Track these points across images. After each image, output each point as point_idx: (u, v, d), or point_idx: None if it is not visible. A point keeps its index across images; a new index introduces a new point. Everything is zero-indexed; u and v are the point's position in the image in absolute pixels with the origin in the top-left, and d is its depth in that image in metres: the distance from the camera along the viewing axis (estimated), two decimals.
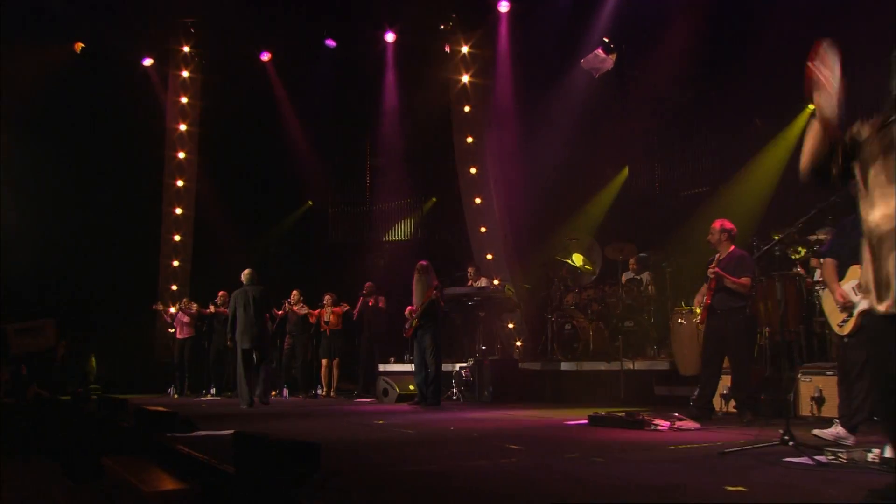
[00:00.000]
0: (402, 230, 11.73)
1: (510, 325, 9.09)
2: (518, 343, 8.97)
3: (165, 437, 4.09)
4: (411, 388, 7.47)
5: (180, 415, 4.41)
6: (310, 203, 11.97)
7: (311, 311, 9.09)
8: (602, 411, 4.69)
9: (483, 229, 9.90)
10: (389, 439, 4.12)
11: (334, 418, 5.70)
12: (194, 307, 9.45)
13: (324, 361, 9.00)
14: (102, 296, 9.89)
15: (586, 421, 4.63)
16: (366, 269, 11.06)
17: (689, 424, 4.08)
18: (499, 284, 8.62)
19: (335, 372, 9.05)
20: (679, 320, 6.02)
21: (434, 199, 11.36)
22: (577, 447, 3.51)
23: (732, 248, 5.03)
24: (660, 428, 3.99)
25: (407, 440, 4.08)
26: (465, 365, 7.80)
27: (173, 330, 10.18)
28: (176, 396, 9.18)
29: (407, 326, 7.06)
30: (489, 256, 9.78)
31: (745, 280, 4.89)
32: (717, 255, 4.99)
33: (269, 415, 6.01)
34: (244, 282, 7.26)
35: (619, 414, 4.40)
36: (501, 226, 9.82)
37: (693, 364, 5.87)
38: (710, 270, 4.96)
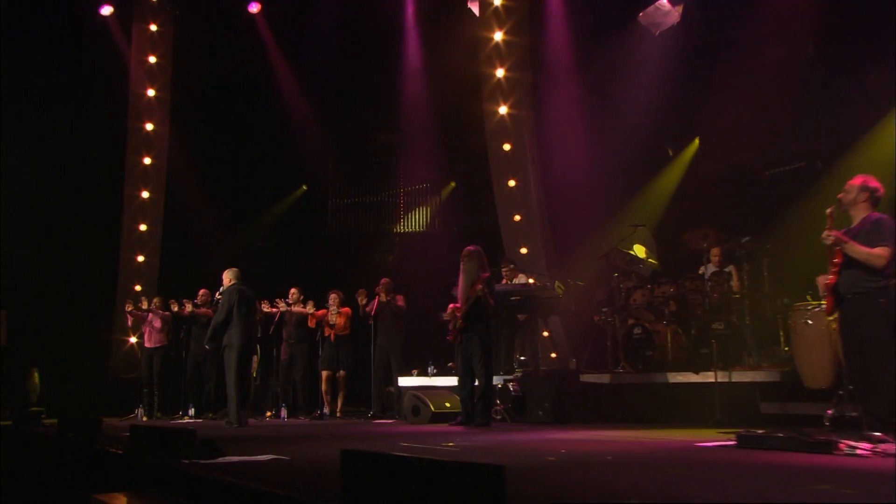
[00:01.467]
0: (416, 219, 11.36)
1: (544, 333, 8.71)
2: (553, 354, 8.58)
3: (184, 464, 3.44)
4: (447, 405, 7.10)
5: (197, 434, 3.73)
6: (304, 188, 11.54)
7: (313, 311, 8.62)
8: (755, 431, 4.17)
9: (517, 217, 9.54)
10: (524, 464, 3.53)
11: (374, 441, 5.13)
12: (173, 307, 8.89)
13: (325, 374, 8.54)
14: (47, 297, 9.45)
15: (730, 442, 4.13)
16: (372, 265, 10.74)
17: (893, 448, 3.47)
18: (537, 281, 8.19)
19: (343, 387, 8.57)
20: (804, 320, 5.50)
21: (453, 184, 10.98)
22: (793, 477, 3.01)
23: (871, 212, 4.38)
24: (859, 452, 3.40)
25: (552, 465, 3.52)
26: (510, 378, 7.35)
27: (136, 339, 9.70)
28: (145, 419, 8.65)
29: (451, 328, 6.59)
30: (524, 250, 9.40)
31: (881, 250, 4.19)
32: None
33: (292, 438, 5.45)
34: (235, 280, 6.97)
35: (778, 434, 3.85)
36: (540, 213, 9.46)
37: (824, 374, 5.35)
38: (827, 234, 4.29)
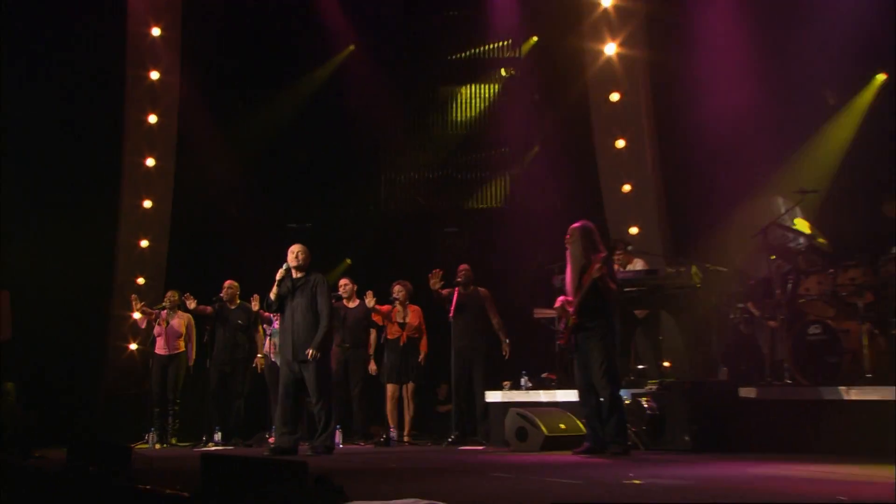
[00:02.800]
0: (491, 193, 11.11)
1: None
2: (666, 363, 8.13)
3: None
4: (562, 426, 6.80)
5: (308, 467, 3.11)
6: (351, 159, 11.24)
7: (374, 305, 8.31)
8: None
9: (627, 187, 9.17)
10: None
11: (521, 476, 4.74)
12: (191, 303, 8.51)
13: (391, 387, 8.30)
14: (24, 291, 8.82)
15: None
16: (436, 250, 10.59)
17: None
18: (652, 267, 7.76)
19: (411, 404, 8.34)
20: None
21: (537, 148, 10.63)
22: None
23: None
24: None
25: None
26: (640, 392, 6.86)
27: (137, 346, 9.52)
28: (158, 447, 8.33)
29: (561, 329, 6.34)
30: (634, 229, 8.98)
31: None
32: None
33: (400, 471, 5.13)
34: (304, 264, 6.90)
35: None
36: (657, 181, 9.03)
37: None
38: None
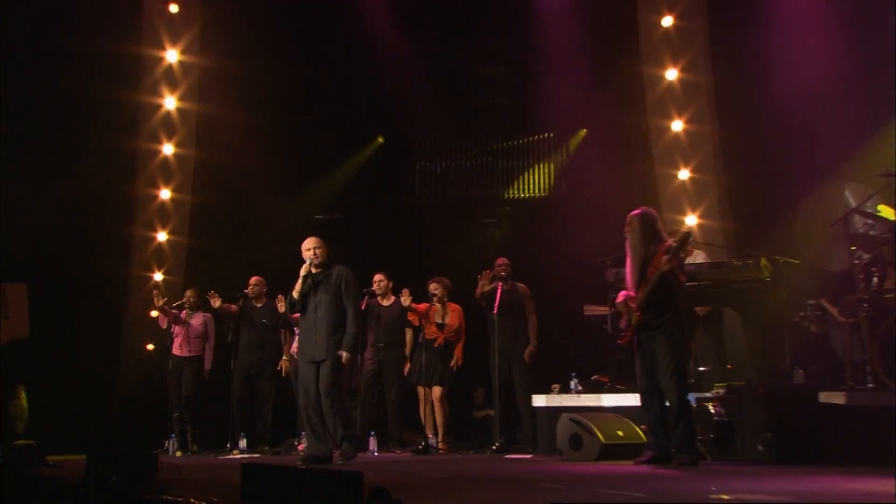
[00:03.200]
0: (534, 182, 11.02)
1: None
2: (702, 368, 7.93)
3: None
4: (620, 433, 6.62)
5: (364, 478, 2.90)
6: (380, 140, 11.17)
7: (413, 304, 8.20)
8: None
9: (684, 174, 9.06)
10: None
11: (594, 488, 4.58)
12: (217, 302, 8.39)
13: (423, 390, 8.22)
14: (33, 289, 8.48)
15: None
16: (475, 243, 10.53)
17: None
18: (733, 257, 7.63)
19: (440, 408, 8.17)
20: None
21: (584, 132, 10.47)
22: None
23: None
24: None
25: None
26: (707, 395, 6.65)
27: (153, 346, 9.51)
28: (179, 454, 8.23)
29: (623, 327, 6.14)
30: (692, 219, 8.86)
31: None
32: None
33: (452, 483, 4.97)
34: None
35: None
36: (717, 167, 8.85)
37: None
38: None
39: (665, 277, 5.79)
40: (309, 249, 6.62)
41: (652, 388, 5.93)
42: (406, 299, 8.08)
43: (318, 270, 6.60)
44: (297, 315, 6.95)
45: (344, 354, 6.48)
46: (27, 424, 9.02)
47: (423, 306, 8.19)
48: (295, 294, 6.63)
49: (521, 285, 8.12)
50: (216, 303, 8.42)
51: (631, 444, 6.46)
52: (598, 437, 6.49)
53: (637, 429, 6.60)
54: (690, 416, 5.93)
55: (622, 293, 6.14)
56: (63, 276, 9.32)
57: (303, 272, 6.58)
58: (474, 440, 9.02)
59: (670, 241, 5.94)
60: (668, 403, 5.90)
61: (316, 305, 6.59)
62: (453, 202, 11.25)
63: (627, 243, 6.04)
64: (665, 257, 5.75)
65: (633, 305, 5.96)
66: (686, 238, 5.97)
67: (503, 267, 7.99)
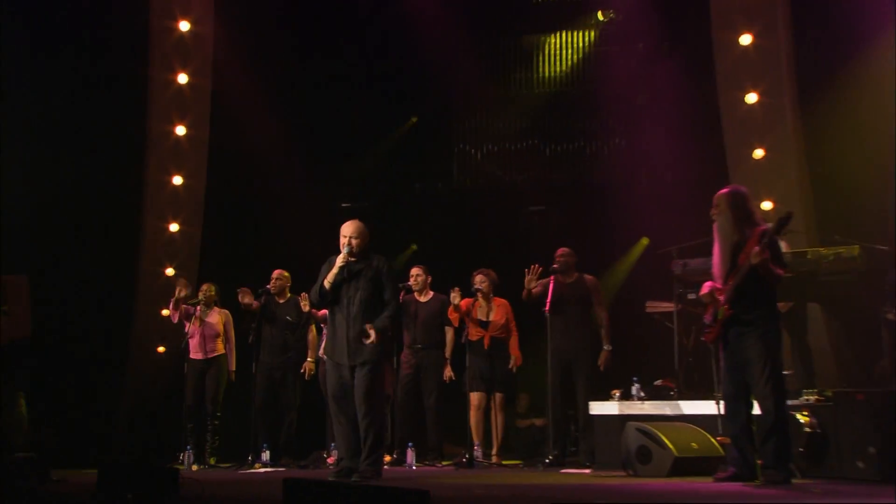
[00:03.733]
0: (585, 164, 11.07)
1: None
2: (786, 372, 7.58)
3: None
4: (694, 446, 6.44)
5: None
6: (414, 120, 11.12)
7: (458, 302, 8.02)
8: None
9: (759, 152, 8.69)
10: None
11: None
12: (247, 298, 8.31)
13: (475, 397, 8.11)
14: (34, 286, 8.51)
15: None
16: (519, 232, 10.59)
17: None
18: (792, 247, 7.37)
19: (500, 417, 8.17)
20: None
21: (644, 107, 10.34)
22: None
23: None
24: None
25: None
26: (795, 403, 6.36)
27: (164, 349, 9.50)
28: (195, 468, 8.11)
29: (708, 322, 5.92)
30: (767, 204, 8.50)
31: None
32: None
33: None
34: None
35: None
36: (798, 145, 8.58)
37: None
38: None
39: (760, 268, 5.52)
40: (345, 237, 6.32)
41: (739, 394, 5.70)
42: (456, 297, 7.89)
43: (354, 260, 6.31)
44: (325, 312, 6.73)
45: (371, 330, 6.13)
46: (29, 436, 8.64)
47: (465, 302, 8.02)
48: (326, 284, 6.28)
49: (589, 277, 8.00)
50: (247, 299, 8.27)
51: (706, 457, 6.29)
52: (669, 449, 6.27)
53: (712, 440, 6.40)
54: (786, 428, 5.65)
55: (707, 284, 5.90)
56: (63, 270, 9.25)
57: (340, 261, 6.25)
58: (519, 452, 8.92)
59: (765, 226, 5.65)
60: (758, 412, 5.63)
61: (349, 300, 6.27)
62: (495, 188, 11.19)
63: (715, 227, 5.79)
64: (756, 248, 5.48)
65: (721, 298, 5.72)
66: (786, 221, 5.61)
67: (563, 258, 7.83)
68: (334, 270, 6.29)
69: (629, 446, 6.54)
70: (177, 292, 8.42)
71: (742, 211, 5.68)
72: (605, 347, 7.78)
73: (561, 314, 7.67)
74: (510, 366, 8.04)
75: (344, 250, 6.27)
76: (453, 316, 8.01)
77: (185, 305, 8.52)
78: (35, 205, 9.13)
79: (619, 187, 10.20)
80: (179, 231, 9.92)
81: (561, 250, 7.95)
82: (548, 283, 7.68)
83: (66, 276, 9.24)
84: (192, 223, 9.95)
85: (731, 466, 5.75)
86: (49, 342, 8.80)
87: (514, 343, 8.10)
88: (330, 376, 6.37)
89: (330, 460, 7.58)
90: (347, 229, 6.35)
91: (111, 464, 4.59)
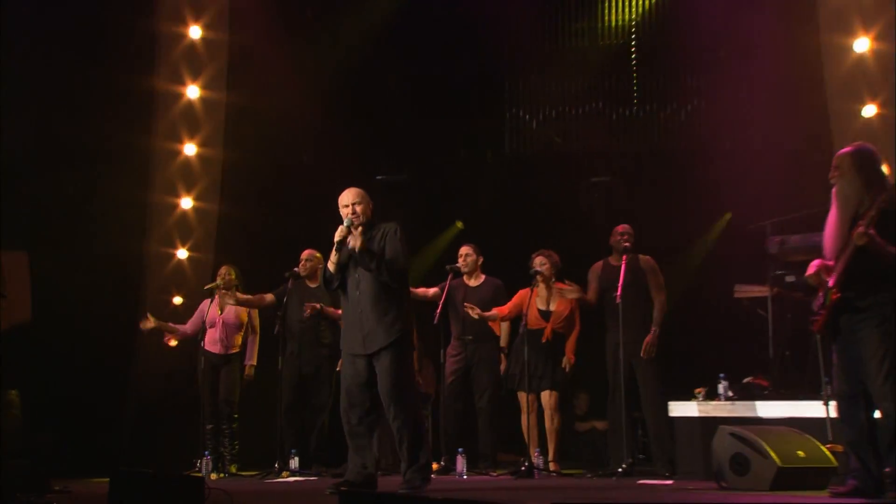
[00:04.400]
0: (657, 128, 11.03)
1: None
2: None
3: None
4: (800, 454, 6.24)
5: None
6: (460, 79, 11.04)
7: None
8: None
9: (870, 110, 8.37)
10: None
11: None
12: (229, 298, 8.34)
13: (526, 397, 8.07)
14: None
15: None
16: (580, 207, 10.63)
17: None
18: None
19: (556, 419, 8.07)
20: None
21: (728, 61, 9.96)
22: None
23: None
24: None
25: None
26: None
27: (174, 342, 9.28)
28: (214, 476, 8.05)
29: (816, 309, 5.63)
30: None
31: None
32: None
33: None
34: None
35: None
36: None
37: None
38: None
39: (874, 244, 5.21)
40: (346, 206, 6.08)
41: (855, 392, 5.41)
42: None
43: (359, 233, 6.08)
44: None
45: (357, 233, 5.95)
46: (25, 441, 8.51)
47: (521, 294, 7.90)
48: (330, 265, 6.09)
49: (645, 257, 7.97)
50: (230, 300, 8.31)
51: (816, 468, 6.12)
52: (772, 458, 6.10)
53: (822, 447, 6.22)
54: None
55: (815, 263, 5.63)
56: (64, 252, 9.18)
57: (337, 236, 6.02)
58: (579, 459, 8.90)
59: (885, 193, 5.31)
60: (878, 414, 5.37)
61: (358, 280, 6.07)
62: (553, 158, 11.16)
63: (833, 192, 5.51)
64: (860, 227, 5.20)
65: (829, 279, 5.46)
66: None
67: (627, 236, 7.72)
68: (334, 247, 6.07)
69: (722, 454, 6.37)
70: (145, 324, 8.53)
71: (868, 173, 5.37)
72: (654, 329, 7.65)
73: (633, 303, 7.55)
74: (563, 365, 7.94)
75: (345, 222, 6.03)
76: (501, 310, 7.93)
77: (170, 325, 8.65)
78: (34, 178, 9.16)
79: (698, 155, 10.08)
80: (193, 207, 9.85)
81: (621, 227, 7.90)
82: (619, 266, 7.58)
83: (66, 255, 9.19)
84: (207, 198, 9.88)
85: (850, 479, 5.46)
86: (46, 332, 8.68)
87: (571, 342, 8.00)
88: (345, 370, 6.19)
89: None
90: (347, 197, 6.15)
91: (125, 472, 4.52)
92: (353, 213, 6.03)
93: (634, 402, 7.85)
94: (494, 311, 7.96)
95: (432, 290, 8.22)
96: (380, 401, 6.02)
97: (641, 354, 7.67)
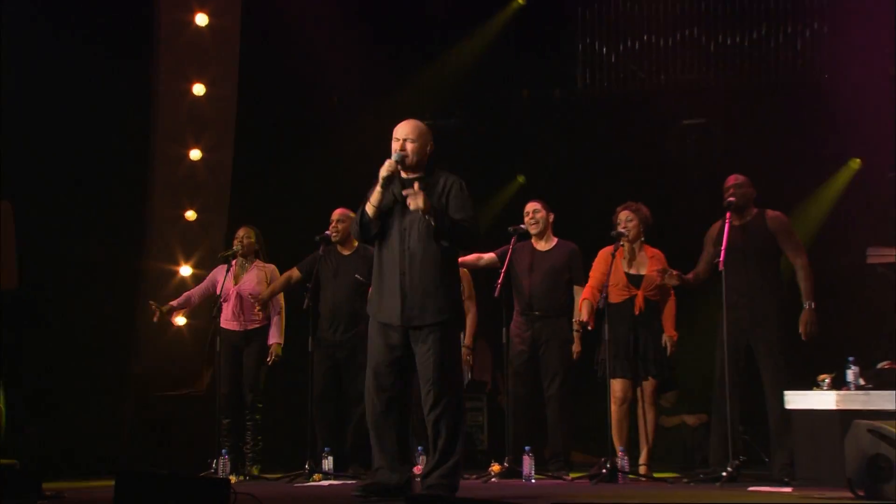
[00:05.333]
0: (764, 60, 10.93)
1: None
2: None
3: None
4: None
5: None
6: (520, 1, 11.07)
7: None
8: None
9: None
10: None
11: None
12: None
13: (618, 385, 8.00)
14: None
15: None
16: (668, 154, 10.72)
17: None
18: None
19: (651, 412, 8.12)
20: None
21: None
22: None
23: None
24: None
25: None
26: None
27: (184, 318, 9.69)
28: (235, 479, 8.03)
29: None
30: None
31: None
32: None
33: None
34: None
35: None
36: None
37: None
38: None
39: None
40: (397, 140, 5.88)
41: None
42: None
43: (413, 176, 5.86)
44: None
45: (417, 188, 5.65)
46: (5, 437, 8.75)
47: (605, 251, 7.69)
48: (369, 208, 5.85)
49: (774, 213, 7.69)
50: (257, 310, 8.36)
51: None
52: None
53: None
54: None
55: None
56: (51, 206, 9.22)
57: (383, 171, 5.76)
58: (666, 460, 9.04)
59: None
60: None
61: (406, 234, 5.85)
62: (636, 96, 11.19)
63: None
64: None
65: None
66: None
67: (735, 188, 7.53)
68: (378, 185, 5.84)
69: (857, 456, 6.14)
70: (154, 316, 8.55)
71: None
72: (807, 305, 7.40)
73: (734, 269, 7.33)
74: (663, 343, 7.76)
75: (393, 157, 5.80)
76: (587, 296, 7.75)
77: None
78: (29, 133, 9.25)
79: (817, 91, 9.94)
80: (202, 159, 9.85)
81: (733, 179, 7.69)
82: (720, 229, 7.39)
83: (53, 207, 9.26)
84: (218, 148, 9.89)
85: None
86: (31, 308, 8.83)
87: (669, 313, 7.85)
88: (374, 343, 6.01)
89: (417, 469, 7.29)
90: (402, 130, 5.93)
91: (133, 473, 4.49)
92: (404, 148, 5.82)
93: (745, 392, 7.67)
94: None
95: (487, 256, 8.10)
96: (413, 384, 5.91)
97: (802, 334, 7.48)
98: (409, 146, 5.84)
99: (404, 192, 5.73)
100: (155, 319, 8.79)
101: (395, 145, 5.86)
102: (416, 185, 5.70)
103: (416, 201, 5.69)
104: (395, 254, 5.94)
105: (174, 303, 8.90)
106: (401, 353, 5.90)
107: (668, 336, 7.78)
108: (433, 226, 5.72)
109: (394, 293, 5.91)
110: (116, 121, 9.81)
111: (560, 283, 8.01)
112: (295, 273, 8.34)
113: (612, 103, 11.35)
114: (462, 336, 8.20)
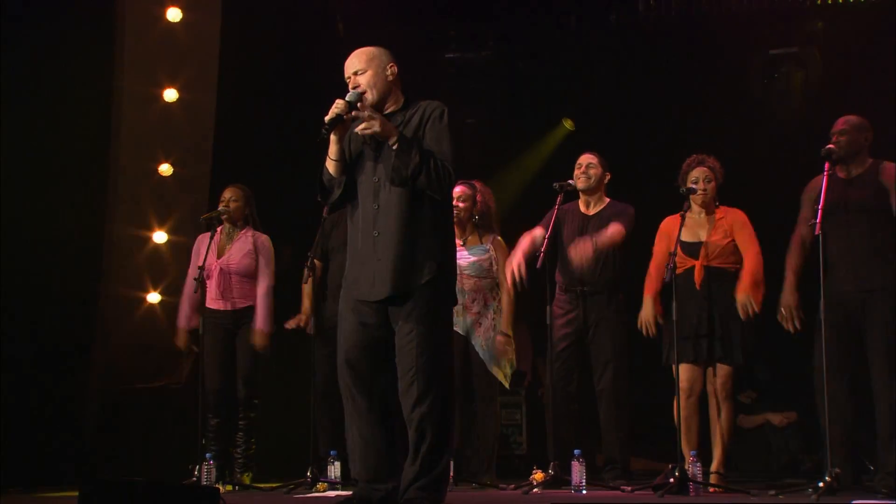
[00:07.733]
0: None
1: None
2: None
3: None
4: None
5: None
6: None
7: None
8: None
9: None
10: None
11: None
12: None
13: (686, 372, 8.10)
14: None
15: None
16: (751, 95, 10.96)
17: None
18: None
19: (726, 407, 8.20)
20: None
21: None
22: None
23: None
24: None
25: None
26: None
27: (159, 295, 10.18)
28: (225, 489, 8.35)
29: None
30: None
31: None
32: None
33: None
34: None
35: None
36: None
37: None
38: None
39: None
40: (347, 77, 5.87)
41: None
42: None
43: (386, 113, 5.85)
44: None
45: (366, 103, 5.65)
46: None
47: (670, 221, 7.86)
48: (329, 165, 5.86)
49: (890, 164, 7.56)
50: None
51: None
52: None
53: None
54: None
55: None
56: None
57: (329, 114, 5.70)
58: (742, 468, 9.26)
59: None
60: None
61: (376, 187, 5.84)
62: (707, 23, 11.20)
63: None
64: None
65: None
66: None
67: (849, 134, 7.50)
68: (326, 131, 5.77)
69: None
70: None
71: None
72: None
73: (838, 231, 7.37)
74: (742, 315, 7.74)
75: (346, 96, 5.76)
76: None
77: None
78: None
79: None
80: (178, 100, 10.02)
81: (842, 122, 7.60)
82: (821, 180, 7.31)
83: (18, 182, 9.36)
84: (198, 88, 10.05)
85: None
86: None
87: (748, 277, 7.74)
88: (344, 324, 6.03)
89: None
90: (348, 64, 5.94)
91: (101, 482, 4.54)
92: (354, 80, 5.80)
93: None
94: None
95: (537, 231, 8.07)
96: (394, 374, 5.88)
97: None
98: (362, 79, 5.81)
99: (353, 115, 5.57)
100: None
101: (350, 82, 5.83)
102: (364, 101, 5.65)
103: (369, 125, 5.54)
104: (366, 214, 5.93)
105: (182, 324, 8.89)
106: (378, 333, 5.88)
107: (744, 296, 7.69)
108: (394, 157, 5.58)
109: (368, 260, 5.91)
110: (74, 53, 9.80)
111: (613, 253, 8.08)
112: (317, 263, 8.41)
113: (677, 31, 11.39)
114: (498, 319, 8.46)
